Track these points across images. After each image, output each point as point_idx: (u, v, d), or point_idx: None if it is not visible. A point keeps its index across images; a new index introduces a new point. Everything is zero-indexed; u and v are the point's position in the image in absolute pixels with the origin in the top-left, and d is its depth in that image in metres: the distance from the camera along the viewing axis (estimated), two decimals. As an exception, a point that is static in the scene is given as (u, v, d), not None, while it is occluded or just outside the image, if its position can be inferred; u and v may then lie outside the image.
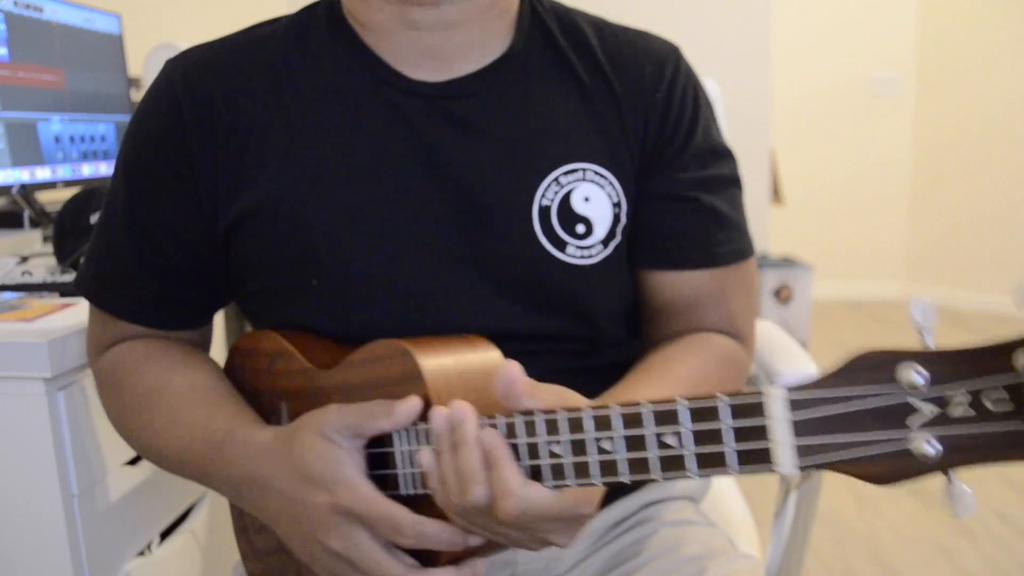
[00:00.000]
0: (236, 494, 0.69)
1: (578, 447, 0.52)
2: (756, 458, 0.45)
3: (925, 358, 0.40)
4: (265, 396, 0.76)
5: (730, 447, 0.45)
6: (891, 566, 1.97)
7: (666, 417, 0.48)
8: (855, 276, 4.56)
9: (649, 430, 0.49)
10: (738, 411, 0.45)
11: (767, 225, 3.03)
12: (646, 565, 0.75)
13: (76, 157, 1.46)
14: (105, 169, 1.55)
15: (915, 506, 2.25)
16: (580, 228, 0.72)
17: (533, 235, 0.71)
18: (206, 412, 0.71)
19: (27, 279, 1.07)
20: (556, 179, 0.71)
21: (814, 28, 4.33)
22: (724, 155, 0.79)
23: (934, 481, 0.42)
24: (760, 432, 0.44)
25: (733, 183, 0.79)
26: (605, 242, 0.73)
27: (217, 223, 0.72)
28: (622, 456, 0.50)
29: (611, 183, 0.73)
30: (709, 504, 0.93)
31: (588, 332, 0.75)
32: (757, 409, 0.44)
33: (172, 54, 0.76)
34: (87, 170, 1.50)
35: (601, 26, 0.78)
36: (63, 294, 1.03)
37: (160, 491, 1.02)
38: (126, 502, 0.95)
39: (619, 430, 0.50)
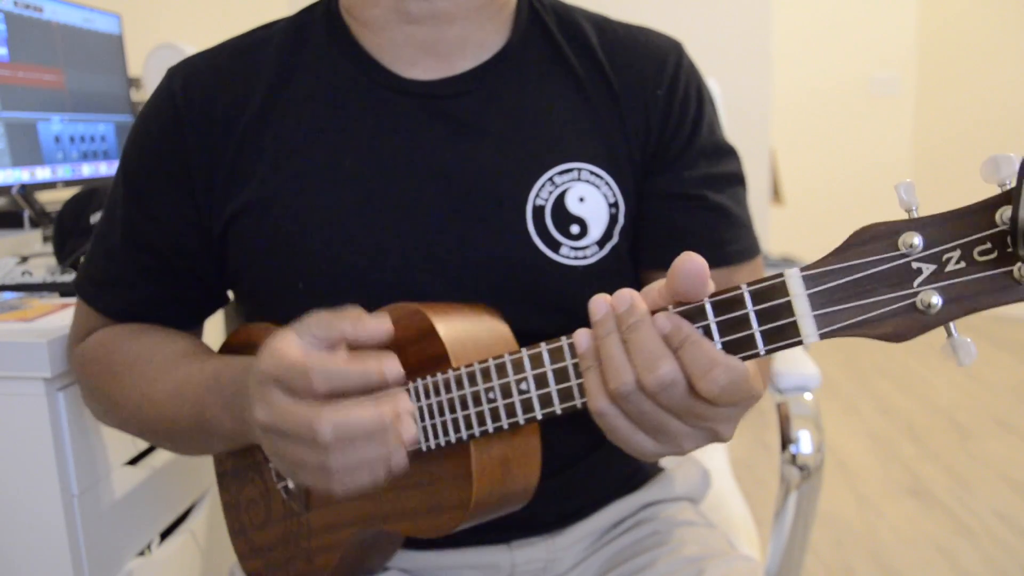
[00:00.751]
0: (230, 417, 0.65)
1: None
2: (781, 334, 0.49)
3: (920, 224, 0.46)
4: None
5: (756, 329, 0.50)
6: (891, 566, 1.97)
7: (694, 314, 0.51)
8: (855, 276, 4.55)
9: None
10: (759, 295, 0.49)
11: (767, 225, 3.03)
12: (645, 566, 0.75)
13: (76, 157, 1.46)
14: (105, 169, 1.55)
15: (915, 506, 2.25)
16: (575, 228, 0.71)
17: (527, 235, 0.70)
18: (200, 360, 0.70)
19: (27, 279, 1.07)
20: (551, 179, 0.71)
21: (814, 28, 4.33)
22: (729, 152, 0.78)
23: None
24: (782, 310, 0.49)
25: (738, 181, 0.78)
26: (600, 243, 0.72)
27: (212, 226, 0.73)
28: None
29: (607, 184, 0.73)
30: (709, 505, 0.93)
31: None
32: (778, 290, 0.49)
33: (172, 54, 0.77)
34: (87, 170, 1.50)
35: (601, 23, 0.78)
36: (63, 294, 1.03)
37: (160, 491, 1.02)
38: (126, 502, 0.95)
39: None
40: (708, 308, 0.50)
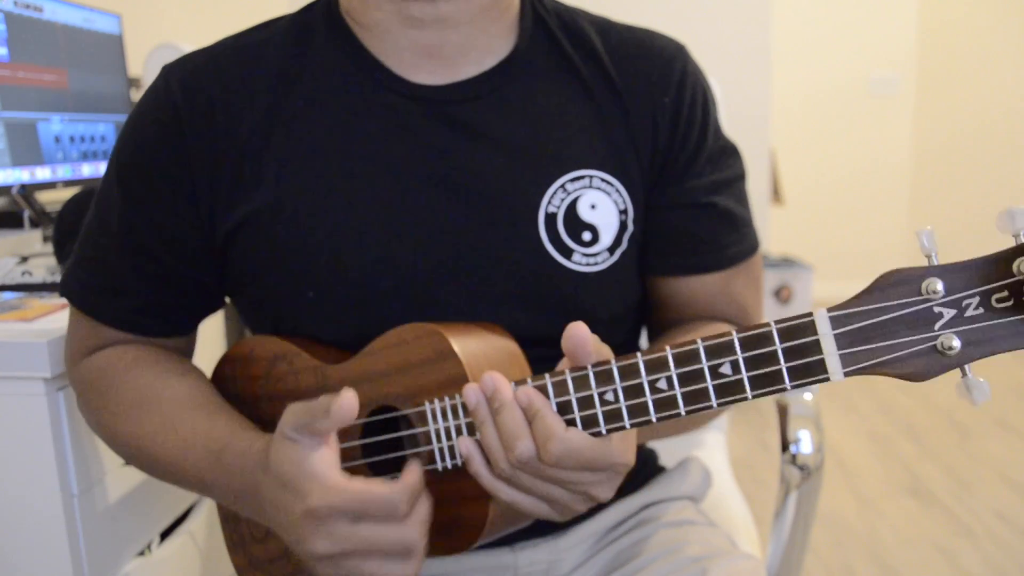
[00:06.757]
0: (237, 505, 0.67)
1: (633, 390, 0.55)
2: (808, 371, 0.51)
3: (942, 271, 0.48)
4: (263, 402, 0.75)
5: (783, 365, 0.52)
6: (891, 566, 1.97)
7: (720, 349, 0.53)
8: (855, 276, 4.55)
9: (703, 363, 0.54)
10: (787, 333, 0.51)
11: (767, 225, 3.03)
12: (648, 566, 0.74)
13: (76, 157, 1.46)
14: (105, 169, 1.54)
15: (915, 506, 2.24)
16: (586, 235, 0.72)
17: (539, 242, 0.70)
18: (205, 419, 0.69)
19: (27, 279, 1.07)
20: (563, 186, 0.71)
21: (814, 28, 4.32)
22: (732, 152, 0.79)
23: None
24: (810, 348, 0.51)
25: (740, 178, 0.79)
26: (611, 250, 0.73)
27: (215, 231, 0.72)
28: (678, 391, 0.54)
29: (617, 190, 0.73)
30: (709, 504, 0.93)
31: None
32: (806, 328, 0.51)
33: (172, 54, 0.76)
34: (87, 170, 1.50)
35: (605, 27, 0.78)
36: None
37: (160, 491, 1.02)
38: (126, 502, 0.95)
39: (673, 368, 0.54)
40: (736, 343, 0.52)
